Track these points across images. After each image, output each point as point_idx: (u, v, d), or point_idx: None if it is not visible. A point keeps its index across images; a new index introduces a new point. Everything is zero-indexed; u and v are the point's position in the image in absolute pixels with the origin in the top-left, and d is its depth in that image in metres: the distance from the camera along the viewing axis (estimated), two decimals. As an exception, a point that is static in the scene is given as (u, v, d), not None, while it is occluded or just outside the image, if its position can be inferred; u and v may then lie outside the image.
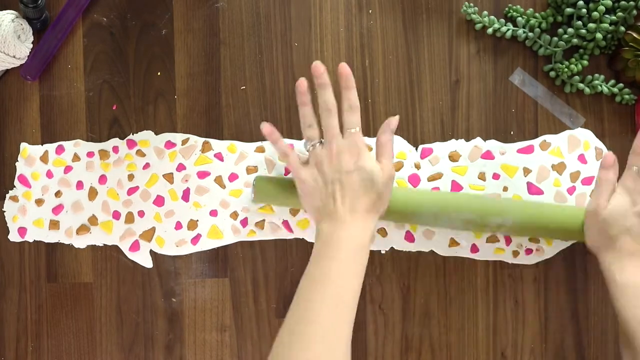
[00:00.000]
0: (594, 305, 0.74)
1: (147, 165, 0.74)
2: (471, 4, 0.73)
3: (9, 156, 0.75)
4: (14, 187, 0.74)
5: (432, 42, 0.74)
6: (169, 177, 0.74)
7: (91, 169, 0.74)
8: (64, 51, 0.74)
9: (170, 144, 0.74)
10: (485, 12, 0.73)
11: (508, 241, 0.74)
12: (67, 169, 0.74)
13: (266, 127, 0.68)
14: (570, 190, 0.73)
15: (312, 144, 0.66)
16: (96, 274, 0.75)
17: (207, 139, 0.74)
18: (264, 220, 0.74)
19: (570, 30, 0.71)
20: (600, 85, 0.73)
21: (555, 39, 0.72)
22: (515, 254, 0.73)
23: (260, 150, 0.74)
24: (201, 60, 0.74)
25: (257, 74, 0.74)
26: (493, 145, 0.74)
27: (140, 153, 0.74)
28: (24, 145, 0.74)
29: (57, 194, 0.74)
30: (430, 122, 0.74)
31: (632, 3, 0.70)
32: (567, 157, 0.73)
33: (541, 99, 0.74)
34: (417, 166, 0.73)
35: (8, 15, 0.70)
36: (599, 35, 0.70)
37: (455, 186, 0.73)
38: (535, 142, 0.74)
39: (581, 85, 0.73)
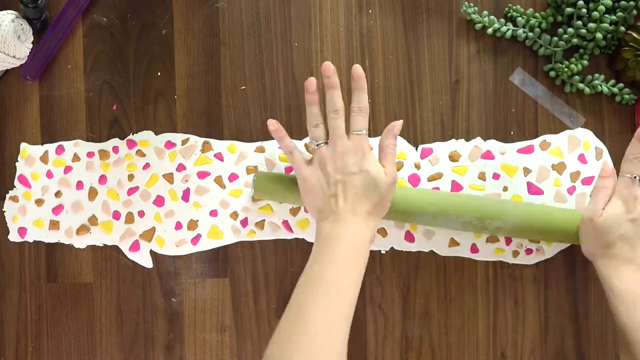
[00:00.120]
0: (594, 305, 0.74)
1: (147, 166, 0.74)
2: (471, 4, 0.73)
3: (9, 156, 0.75)
4: (14, 187, 0.74)
5: (432, 42, 0.74)
6: (169, 177, 0.74)
7: (91, 169, 0.74)
8: (64, 51, 0.74)
9: (170, 144, 0.74)
10: (485, 12, 0.73)
11: (508, 241, 0.74)
12: (67, 169, 0.74)
13: (272, 124, 0.68)
14: (570, 190, 0.73)
15: (318, 144, 0.66)
16: (96, 274, 0.75)
17: (207, 139, 0.74)
18: (264, 220, 0.74)
19: (570, 30, 0.71)
20: (600, 85, 0.73)
21: (555, 38, 0.72)
22: (515, 254, 0.73)
23: (260, 150, 0.74)
24: (201, 60, 0.74)
25: (257, 74, 0.74)
26: (493, 145, 0.74)
27: (140, 153, 0.74)
28: (24, 146, 0.74)
29: (57, 194, 0.74)
30: (430, 122, 0.74)
31: (632, 3, 0.70)
32: (567, 157, 0.73)
33: (541, 99, 0.74)
34: (417, 166, 0.73)
35: (8, 15, 0.70)
36: (599, 35, 0.70)
37: (456, 186, 0.73)
38: (535, 142, 0.74)
39: (581, 85, 0.73)
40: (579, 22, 0.71)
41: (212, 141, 0.74)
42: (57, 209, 0.74)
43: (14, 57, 0.71)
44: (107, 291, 0.75)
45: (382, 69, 0.74)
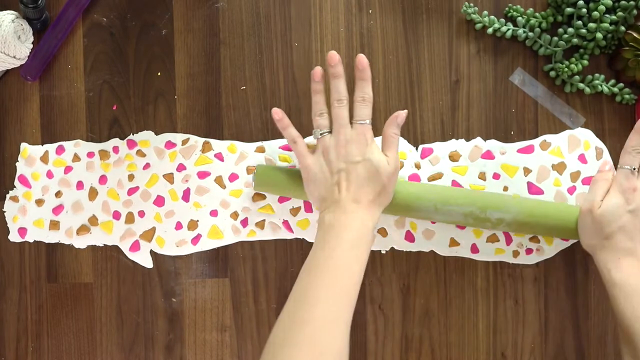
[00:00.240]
0: (594, 305, 0.74)
1: (147, 166, 0.74)
2: (471, 4, 0.73)
3: (9, 156, 0.75)
4: (14, 187, 0.74)
5: (432, 42, 0.74)
6: (169, 177, 0.74)
7: (91, 169, 0.74)
8: (64, 51, 0.74)
9: (170, 144, 0.74)
10: (485, 12, 0.73)
11: (508, 241, 0.74)
12: (67, 169, 0.74)
13: (277, 113, 0.68)
14: (571, 190, 0.73)
15: (321, 133, 0.66)
16: (96, 274, 0.75)
17: (207, 139, 0.74)
18: (264, 220, 0.74)
19: (570, 30, 0.71)
20: (601, 85, 0.73)
21: (556, 38, 0.72)
22: (516, 254, 0.73)
23: (261, 150, 0.74)
24: (201, 60, 0.74)
25: (257, 74, 0.74)
26: (493, 145, 0.74)
27: (141, 153, 0.74)
28: (24, 146, 0.74)
29: (58, 194, 0.74)
30: (431, 122, 0.74)
31: (632, 3, 0.70)
32: (567, 157, 0.73)
33: (541, 99, 0.74)
34: (418, 166, 0.73)
35: (8, 15, 0.70)
36: (599, 35, 0.70)
37: (456, 186, 0.73)
38: (536, 142, 0.74)
39: (581, 85, 0.73)
40: (579, 22, 0.71)
41: (212, 141, 0.74)
42: (58, 209, 0.74)
43: (14, 57, 0.71)
44: (107, 291, 0.75)
45: (382, 69, 0.74)
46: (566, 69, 0.72)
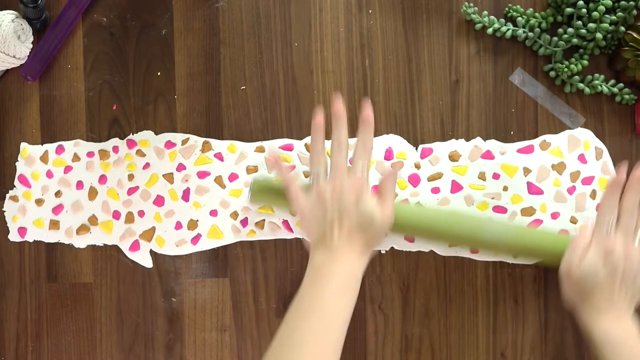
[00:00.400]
0: (594, 305, 0.74)
1: (147, 165, 0.74)
2: (471, 4, 0.73)
3: (9, 156, 0.75)
4: (14, 187, 0.74)
5: (432, 42, 0.74)
6: (169, 177, 0.74)
7: (91, 169, 0.74)
8: (64, 51, 0.74)
9: (170, 144, 0.74)
10: (485, 12, 0.73)
11: (508, 241, 0.74)
12: (67, 169, 0.74)
13: (270, 159, 0.68)
14: (570, 190, 0.73)
15: (317, 176, 0.66)
16: (96, 274, 0.75)
17: (207, 139, 0.74)
18: (264, 220, 0.74)
19: (570, 30, 0.71)
20: (600, 85, 0.73)
21: (555, 38, 0.72)
22: (515, 254, 0.74)
23: (260, 150, 0.74)
24: (201, 60, 0.74)
25: (257, 74, 0.74)
26: (493, 145, 0.74)
27: (140, 153, 0.74)
28: (24, 145, 0.74)
29: (57, 193, 0.74)
30: (430, 122, 0.74)
31: (632, 3, 0.70)
32: (567, 157, 0.73)
33: (541, 99, 0.74)
34: (417, 166, 0.73)
35: (8, 15, 0.70)
36: (599, 35, 0.70)
37: (456, 186, 0.73)
38: (535, 142, 0.74)
39: (581, 85, 0.73)
40: (579, 22, 0.71)
41: (212, 141, 0.74)
42: (57, 209, 0.74)
43: (14, 57, 0.72)
44: (107, 291, 0.75)
45: (382, 69, 0.74)
46: (566, 69, 0.72)
